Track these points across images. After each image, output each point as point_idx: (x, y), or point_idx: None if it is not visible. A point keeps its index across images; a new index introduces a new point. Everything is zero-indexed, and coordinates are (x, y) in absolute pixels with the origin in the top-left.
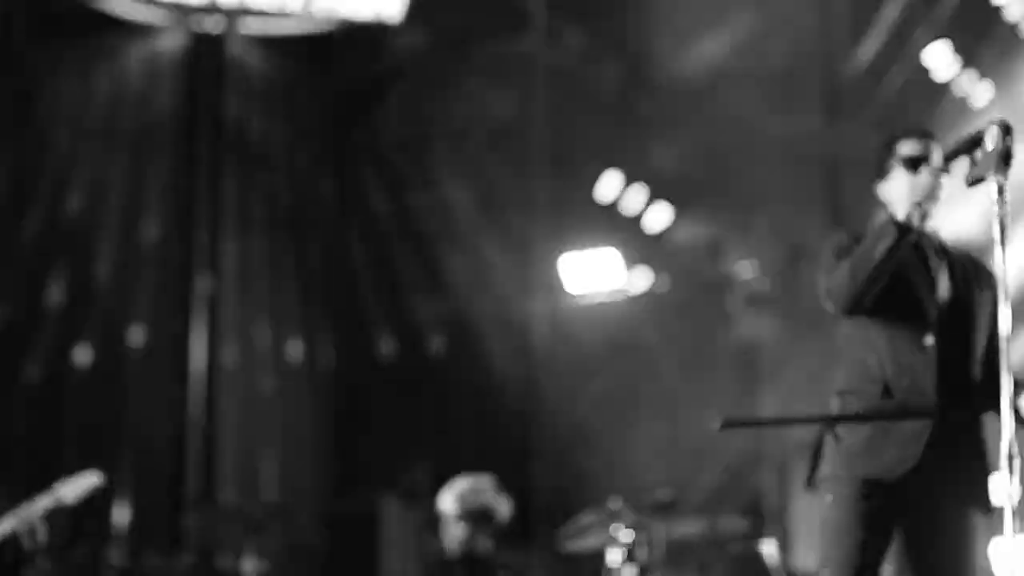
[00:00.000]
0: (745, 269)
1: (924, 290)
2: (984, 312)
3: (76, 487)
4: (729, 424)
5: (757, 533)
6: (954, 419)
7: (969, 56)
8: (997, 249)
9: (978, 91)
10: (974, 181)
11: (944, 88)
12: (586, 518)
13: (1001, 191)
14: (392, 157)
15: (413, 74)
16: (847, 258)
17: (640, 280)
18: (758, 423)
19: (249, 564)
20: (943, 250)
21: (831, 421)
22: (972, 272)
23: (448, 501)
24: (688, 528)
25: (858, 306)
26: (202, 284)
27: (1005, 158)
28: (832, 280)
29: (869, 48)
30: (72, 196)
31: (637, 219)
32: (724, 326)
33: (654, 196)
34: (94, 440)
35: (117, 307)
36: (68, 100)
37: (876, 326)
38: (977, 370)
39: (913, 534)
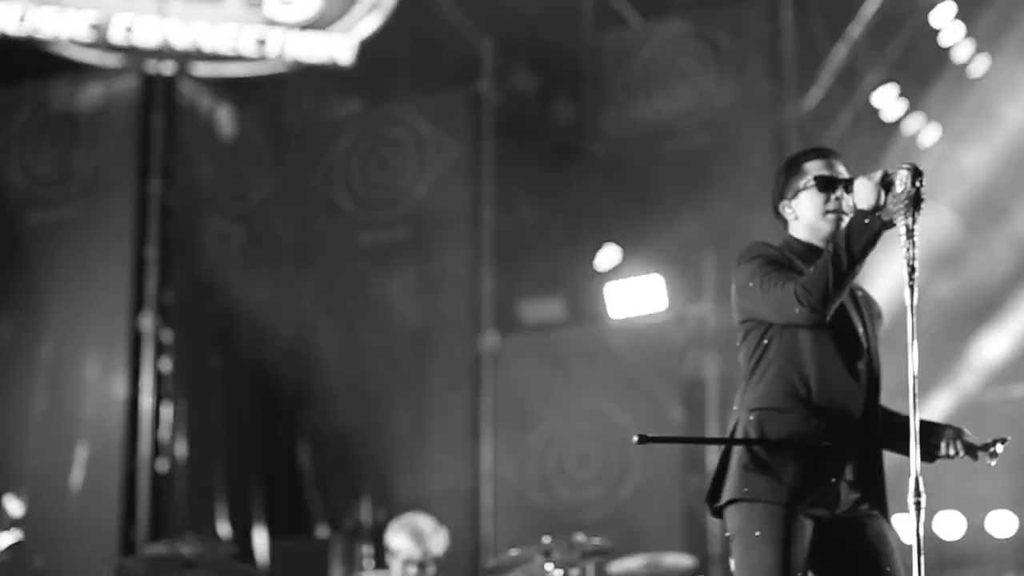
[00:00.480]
0: (690, 309)
1: (851, 311)
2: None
3: None
4: (646, 440)
5: (703, 571)
6: (876, 451)
7: (917, 97)
8: (906, 291)
9: (926, 131)
10: (882, 225)
11: (893, 128)
12: (516, 551)
13: (910, 234)
14: (344, 199)
15: (364, 117)
16: (784, 266)
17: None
18: (676, 440)
19: None
20: None
21: (746, 442)
22: (864, 301)
23: (398, 540)
24: (631, 564)
25: (832, 309)
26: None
27: (915, 202)
28: (808, 284)
29: (818, 91)
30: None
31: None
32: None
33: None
34: None
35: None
36: (22, 140)
37: (804, 342)
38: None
39: (828, 566)
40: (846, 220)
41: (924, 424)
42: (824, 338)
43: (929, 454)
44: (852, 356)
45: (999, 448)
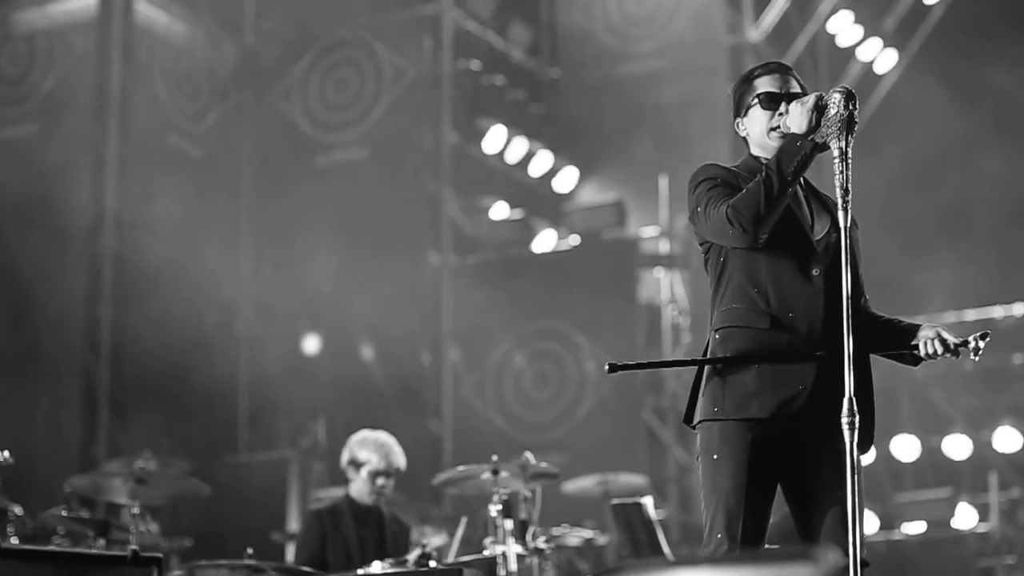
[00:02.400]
0: (645, 231)
1: (803, 220)
2: (854, 251)
3: None
4: (616, 368)
5: (657, 491)
6: (837, 359)
7: (873, 24)
8: (840, 214)
9: (882, 58)
10: (815, 146)
11: (849, 54)
12: (466, 468)
13: (843, 156)
14: (302, 120)
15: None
16: (733, 187)
17: (545, 240)
18: (644, 366)
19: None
20: (809, 187)
21: (717, 362)
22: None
23: (365, 453)
24: (584, 483)
25: (767, 230)
26: (106, 244)
27: (848, 124)
28: (739, 206)
29: (772, 16)
30: None
31: (543, 180)
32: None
33: (561, 159)
34: None
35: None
36: None
37: (759, 258)
38: (857, 306)
39: (795, 480)
40: None
41: (902, 326)
42: (779, 252)
43: (912, 356)
44: (807, 266)
45: (981, 343)
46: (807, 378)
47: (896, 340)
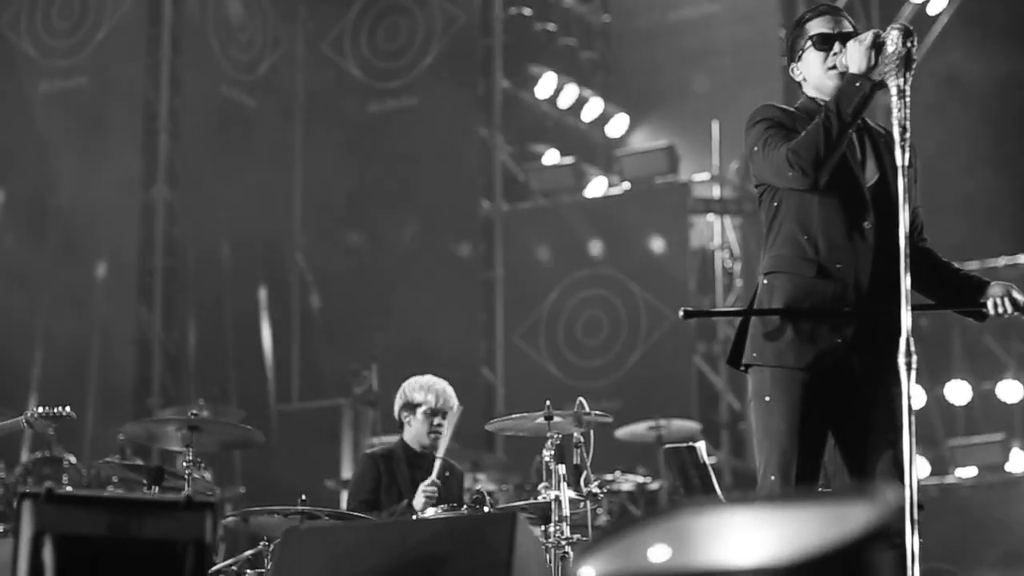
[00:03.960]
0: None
1: (857, 169)
2: (913, 189)
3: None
4: (691, 314)
5: (710, 437)
6: (884, 311)
7: None
8: (897, 152)
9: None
10: (873, 84)
11: None
12: (520, 414)
13: (902, 93)
14: (353, 68)
15: None
16: (790, 129)
17: (596, 186)
18: (717, 313)
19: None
20: (865, 128)
21: (787, 313)
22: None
23: (420, 394)
24: (637, 429)
25: (827, 172)
26: (158, 194)
27: (906, 61)
28: (799, 148)
29: None
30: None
31: (594, 126)
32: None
33: (612, 105)
34: None
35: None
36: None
37: (811, 204)
38: (917, 250)
39: (847, 423)
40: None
41: (972, 281)
42: (832, 200)
43: (980, 313)
44: (859, 218)
45: None
46: (847, 332)
47: (965, 296)
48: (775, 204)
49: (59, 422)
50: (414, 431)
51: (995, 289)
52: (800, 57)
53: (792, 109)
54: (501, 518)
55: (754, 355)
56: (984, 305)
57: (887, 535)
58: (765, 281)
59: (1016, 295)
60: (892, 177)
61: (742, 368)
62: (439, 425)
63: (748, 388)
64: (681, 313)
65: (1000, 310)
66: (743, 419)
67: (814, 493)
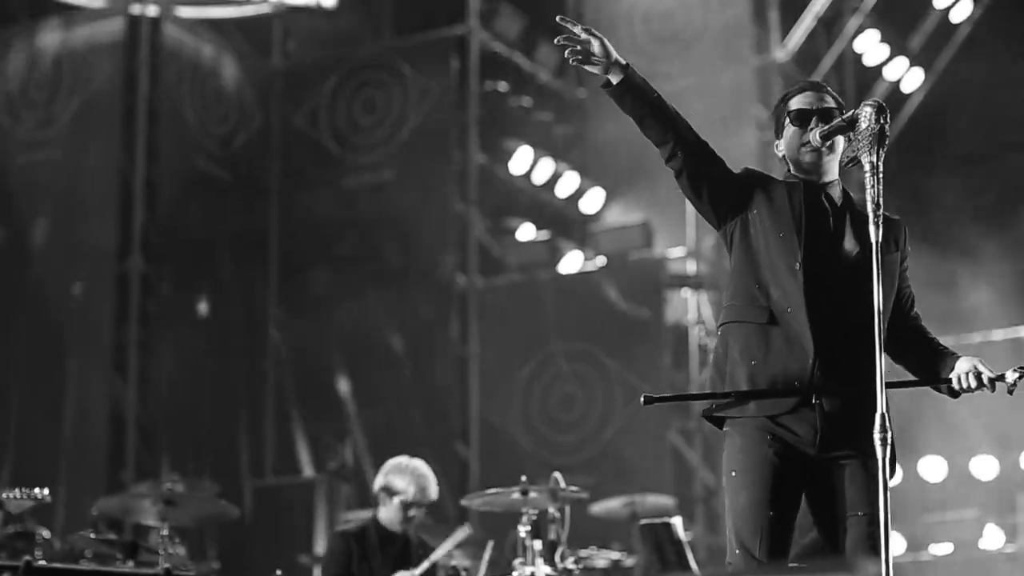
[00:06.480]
0: (673, 252)
1: (828, 247)
2: (891, 271)
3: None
4: (651, 400)
5: (685, 512)
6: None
7: (899, 43)
8: (871, 228)
9: (909, 76)
10: (848, 161)
11: (876, 73)
12: (496, 490)
13: (875, 170)
14: (329, 142)
15: (349, 59)
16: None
17: (571, 261)
18: (678, 398)
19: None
20: (848, 206)
21: (745, 397)
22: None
23: (402, 483)
24: (612, 504)
25: (653, 134)
26: (133, 266)
27: (879, 138)
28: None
29: (799, 35)
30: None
31: (570, 201)
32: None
33: (587, 180)
34: None
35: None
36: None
37: (759, 253)
38: (897, 324)
39: (819, 496)
40: (824, 154)
41: (941, 355)
42: (777, 245)
43: (949, 389)
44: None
45: (1018, 378)
46: (807, 381)
47: (932, 370)
48: (729, 255)
49: (35, 502)
50: (388, 514)
51: (961, 364)
52: (781, 133)
53: (759, 173)
54: None
55: (712, 404)
56: (950, 381)
57: None
58: (719, 332)
59: (981, 369)
60: (869, 248)
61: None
62: (413, 516)
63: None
64: (642, 399)
65: (964, 385)
66: (717, 495)
67: (799, 566)
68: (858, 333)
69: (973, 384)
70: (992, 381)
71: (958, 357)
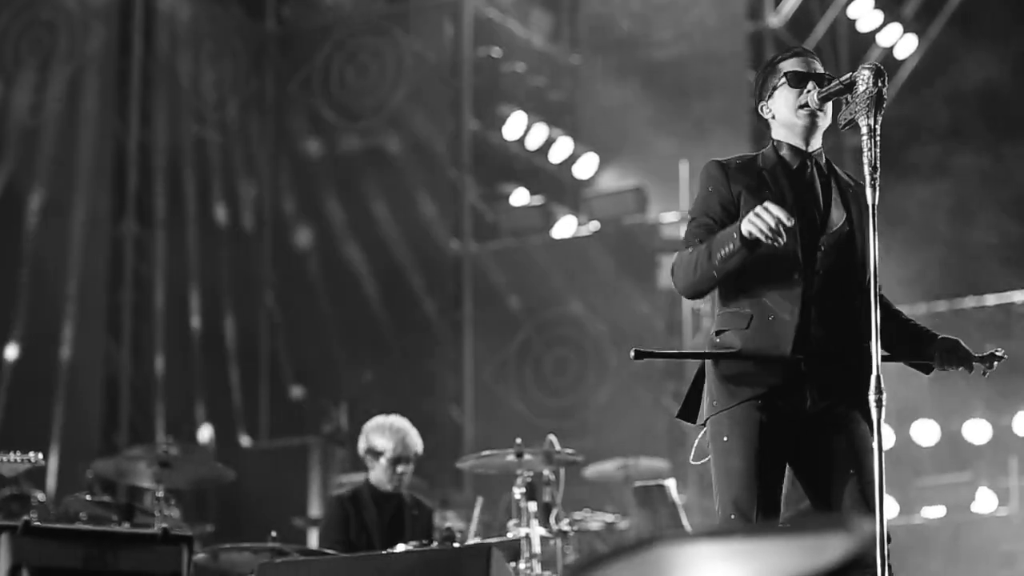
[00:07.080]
0: (667, 216)
1: (816, 219)
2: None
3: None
4: (642, 354)
5: (678, 475)
6: (845, 357)
7: (893, 10)
8: (868, 191)
9: (902, 43)
10: (846, 124)
11: (869, 39)
12: (491, 452)
13: (872, 133)
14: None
15: (345, 24)
16: (696, 245)
17: (565, 226)
18: (669, 355)
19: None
20: (833, 176)
21: (731, 357)
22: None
23: (382, 440)
24: (606, 468)
25: (701, 295)
26: (127, 230)
27: (876, 101)
28: (677, 270)
29: (792, 2)
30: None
31: (563, 167)
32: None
33: (580, 145)
34: None
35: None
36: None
37: (757, 259)
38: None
39: (807, 461)
40: (819, 117)
41: (922, 334)
42: (770, 250)
43: (926, 366)
44: (808, 266)
45: (995, 364)
46: (804, 374)
47: (915, 349)
48: None
49: (29, 466)
50: (378, 475)
51: (943, 343)
52: (771, 95)
53: (736, 163)
54: (476, 551)
55: (714, 403)
56: (933, 359)
57: (862, 565)
58: (718, 340)
59: (962, 350)
60: (858, 225)
61: (700, 424)
62: (402, 472)
63: (707, 436)
64: (632, 353)
65: (946, 365)
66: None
67: (792, 523)
68: (847, 300)
69: (956, 365)
70: (971, 360)
71: (936, 336)
